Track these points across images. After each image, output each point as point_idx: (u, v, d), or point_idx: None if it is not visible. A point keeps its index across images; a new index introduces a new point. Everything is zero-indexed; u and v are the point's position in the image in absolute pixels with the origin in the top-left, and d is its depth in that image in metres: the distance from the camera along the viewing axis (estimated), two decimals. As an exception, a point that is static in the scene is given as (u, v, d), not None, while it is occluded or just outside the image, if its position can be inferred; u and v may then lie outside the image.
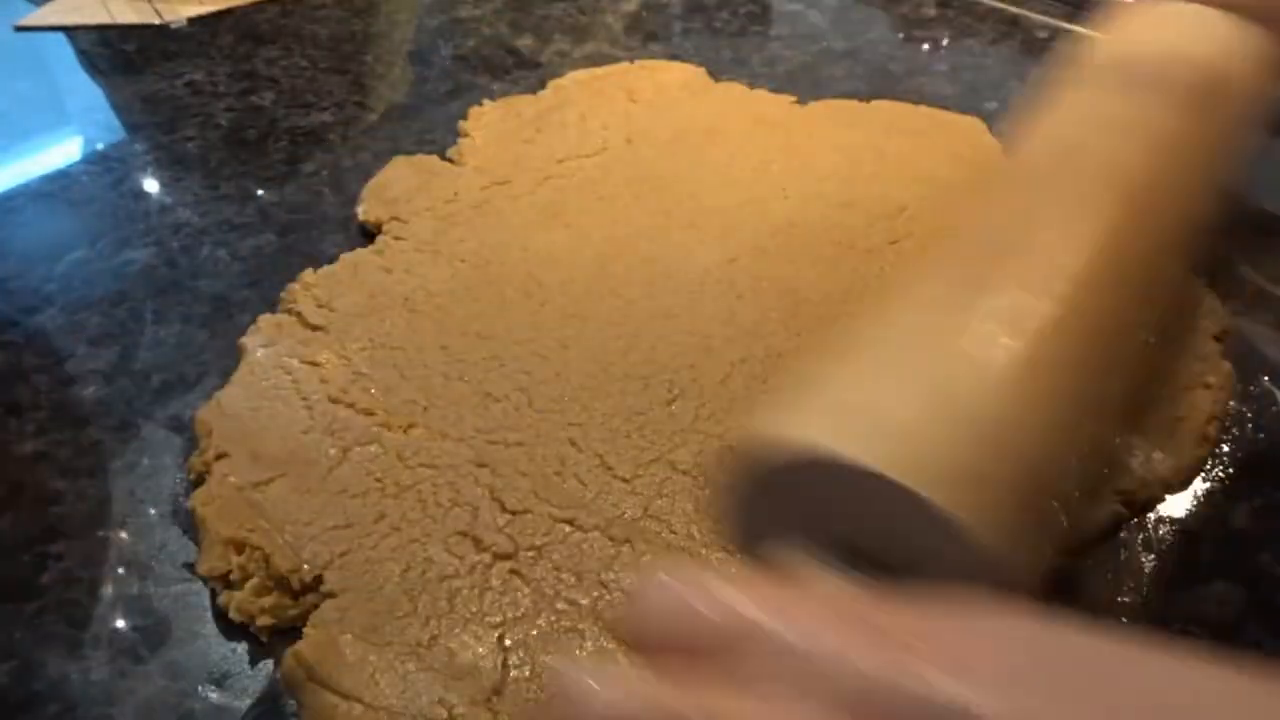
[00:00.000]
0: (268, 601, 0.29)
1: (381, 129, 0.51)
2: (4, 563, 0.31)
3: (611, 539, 0.31)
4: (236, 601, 0.29)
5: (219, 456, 0.33)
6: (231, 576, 0.30)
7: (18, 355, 0.39)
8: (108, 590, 0.30)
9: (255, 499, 0.31)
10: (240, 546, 0.30)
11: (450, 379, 0.36)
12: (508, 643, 0.28)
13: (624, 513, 0.31)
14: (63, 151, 0.52)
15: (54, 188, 0.48)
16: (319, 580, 0.29)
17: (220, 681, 0.28)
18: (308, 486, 0.32)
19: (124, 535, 0.32)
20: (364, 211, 0.44)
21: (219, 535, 0.30)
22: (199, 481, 0.33)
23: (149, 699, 0.27)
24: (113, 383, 0.37)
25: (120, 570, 0.31)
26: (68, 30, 0.62)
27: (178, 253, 0.43)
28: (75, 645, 0.29)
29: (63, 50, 0.61)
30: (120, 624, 0.29)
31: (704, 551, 0.30)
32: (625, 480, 0.32)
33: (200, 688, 0.28)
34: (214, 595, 0.30)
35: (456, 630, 0.28)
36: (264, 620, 0.29)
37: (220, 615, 0.30)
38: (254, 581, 0.30)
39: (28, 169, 0.50)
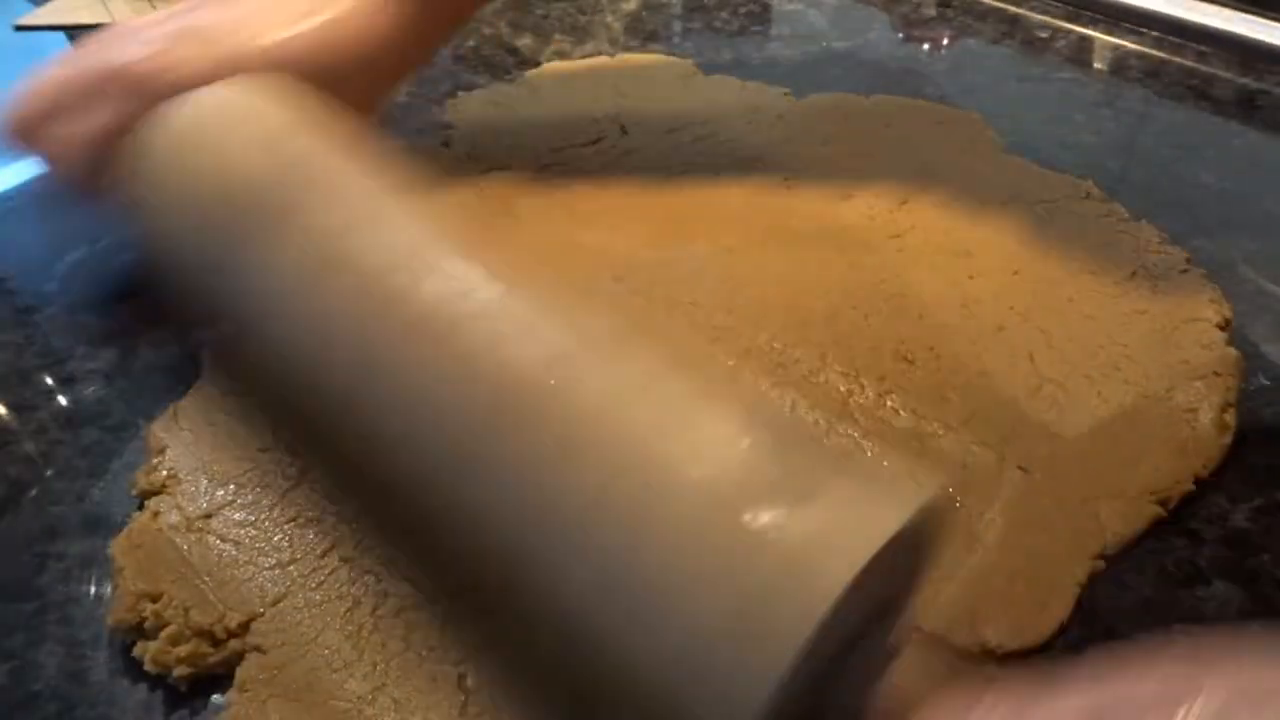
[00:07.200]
0: (184, 650, 0.27)
1: (381, 129, 0.51)
2: (4, 563, 0.31)
3: None
4: (151, 652, 0.27)
5: (169, 477, 0.32)
6: (146, 625, 0.28)
7: (18, 355, 0.39)
8: (107, 590, 0.30)
9: (186, 544, 0.29)
10: (156, 595, 0.28)
11: None
12: (469, 683, 0.26)
13: None
14: (63, 151, 0.52)
15: (54, 187, 0.48)
16: (245, 628, 0.27)
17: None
18: (255, 515, 0.30)
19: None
20: None
21: (134, 588, 0.28)
22: (144, 495, 0.31)
23: (149, 699, 0.27)
24: (113, 383, 0.37)
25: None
26: (67, 29, 0.62)
27: (178, 252, 0.43)
28: (75, 645, 0.29)
29: (62, 49, 0.61)
30: (120, 624, 0.29)
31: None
32: None
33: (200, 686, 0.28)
34: (129, 646, 0.28)
35: (409, 673, 0.26)
36: (181, 671, 0.27)
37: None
38: (170, 630, 0.27)
39: (28, 169, 0.49)
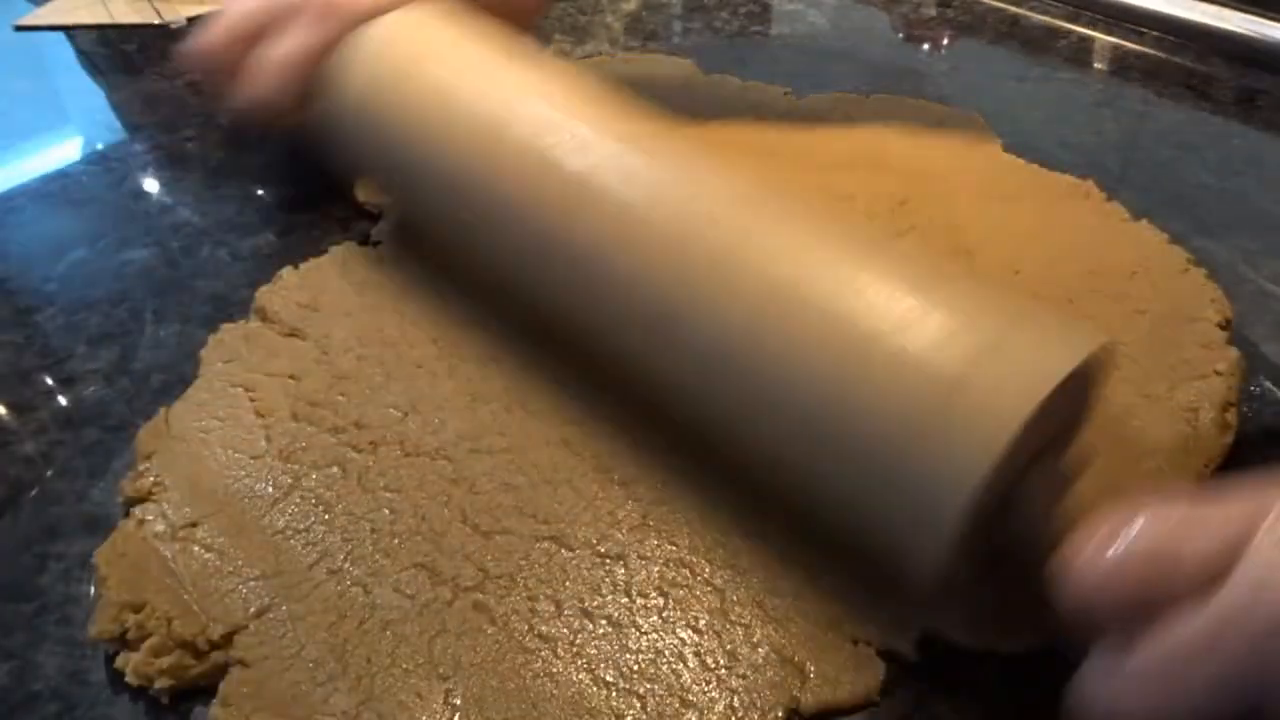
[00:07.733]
0: (166, 662, 0.26)
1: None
2: (4, 563, 0.31)
3: (600, 556, 0.29)
4: (133, 664, 0.27)
5: (155, 484, 0.31)
6: (128, 635, 0.27)
7: (18, 355, 0.39)
8: (108, 590, 0.30)
9: (170, 552, 0.29)
10: (139, 605, 0.28)
11: (439, 377, 0.35)
12: (456, 700, 0.25)
13: (620, 522, 0.30)
14: (63, 151, 0.52)
15: (54, 188, 0.48)
16: (229, 640, 0.27)
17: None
18: (242, 525, 0.30)
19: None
20: (362, 193, 0.44)
21: (116, 599, 0.28)
22: (129, 502, 0.31)
23: (149, 699, 0.27)
24: (113, 383, 0.37)
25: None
26: (68, 30, 0.62)
27: (178, 253, 0.43)
28: (75, 645, 0.29)
29: (63, 50, 0.61)
30: (120, 624, 0.29)
31: (708, 568, 0.29)
32: (623, 485, 0.31)
33: (200, 688, 0.28)
34: (110, 658, 0.28)
35: (393, 688, 0.26)
36: (163, 683, 0.26)
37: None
38: (153, 641, 0.27)
39: (28, 169, 0.49)
